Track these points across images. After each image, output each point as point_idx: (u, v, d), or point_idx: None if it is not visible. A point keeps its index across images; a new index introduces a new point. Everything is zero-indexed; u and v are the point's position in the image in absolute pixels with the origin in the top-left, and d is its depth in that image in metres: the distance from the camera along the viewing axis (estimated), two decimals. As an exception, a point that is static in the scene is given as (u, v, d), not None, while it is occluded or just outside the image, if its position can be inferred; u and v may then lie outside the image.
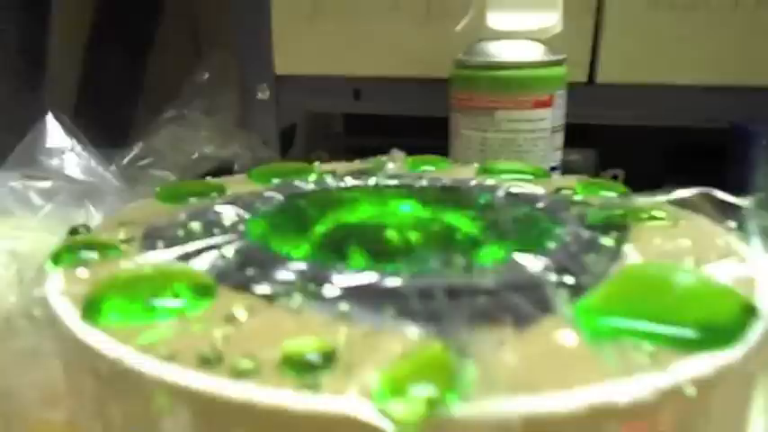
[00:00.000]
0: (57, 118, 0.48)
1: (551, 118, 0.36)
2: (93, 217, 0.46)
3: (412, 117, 0.46)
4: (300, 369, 0.11)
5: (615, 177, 0.49)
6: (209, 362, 0.11)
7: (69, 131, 0.48)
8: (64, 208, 0.46)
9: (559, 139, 0.38)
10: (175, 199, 0.21)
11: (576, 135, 0.42)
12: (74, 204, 0.46)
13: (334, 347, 0.11)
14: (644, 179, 0.50)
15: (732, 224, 0.17)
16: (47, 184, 0.46)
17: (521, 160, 0.36)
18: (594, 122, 0.44)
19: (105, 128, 0.63)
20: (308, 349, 0.11)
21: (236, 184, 0.23)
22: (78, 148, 0.48)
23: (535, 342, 0.12)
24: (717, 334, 0.12)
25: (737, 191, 0.37)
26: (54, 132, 0.48)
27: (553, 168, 0.38)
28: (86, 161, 0.48)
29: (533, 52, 0.36)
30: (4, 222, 0.43)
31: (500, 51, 0.36)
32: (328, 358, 0.11)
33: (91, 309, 0.13)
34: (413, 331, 0.12)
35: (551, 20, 0.36)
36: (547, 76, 0.36)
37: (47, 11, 0.53)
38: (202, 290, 0.14)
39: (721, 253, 0.16)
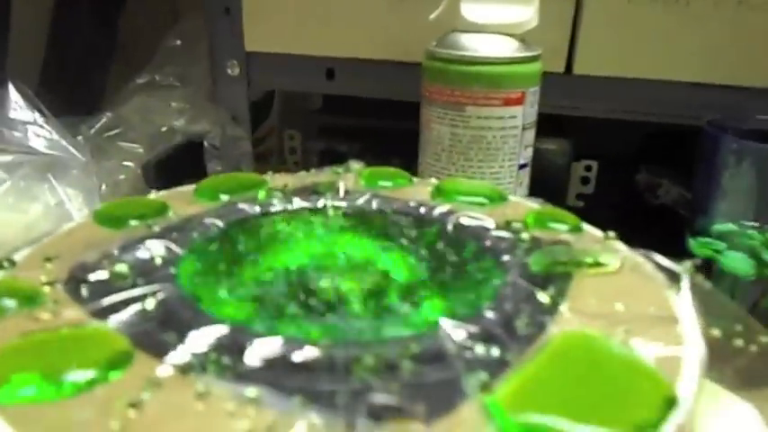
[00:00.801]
0: (18, 89, 0.46)
1: (522, 116, 0.35)
2: (57, 191, 0.45)
3: (391, 99, 0.45)
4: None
5: (589, 168, 0.48)
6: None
7: (32, 103, 0.47)
8: (26, 182, 0.45)
9: (530, 136, 0.37)
10: (113, 223, 0.20)
11: (550, 124, 0.41)
12: (37, 178, 0.45)
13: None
14: (617, 169, 0.50)
15: (671, 284, 0.17)
16: (8, 157, 0.44)
17: (490, 158, 0.36)
18: (570, 113, 0.43)
19: (74, 95, 0.62)
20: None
21: (181, 201, 0.22)
22: (41, 119, 0.47)
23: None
24: (639, 425, 0.12)
25: (705, 191, 0.37)
26: (16, 103, 0.47)
27: (522, 166, 0.37)
28: (49, 133, 0.47)
29: (507, 47, 0.35)
30: (-37, 199, 0.42)
31: (472, 44, 0.35)
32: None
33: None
34: (317, 423, 0.12)
35: (527, 14, 0.35)
36: (519, 72, 0.35)
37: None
38: (117, 358, 0.13)
39: (653, 320, 0.16)
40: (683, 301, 0.16)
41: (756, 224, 0.36)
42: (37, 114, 0.47)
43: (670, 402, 0.13)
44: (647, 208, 0.49)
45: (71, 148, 0.47)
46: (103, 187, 0.49)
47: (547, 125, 0.39)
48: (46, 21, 0.60)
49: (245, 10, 0.44)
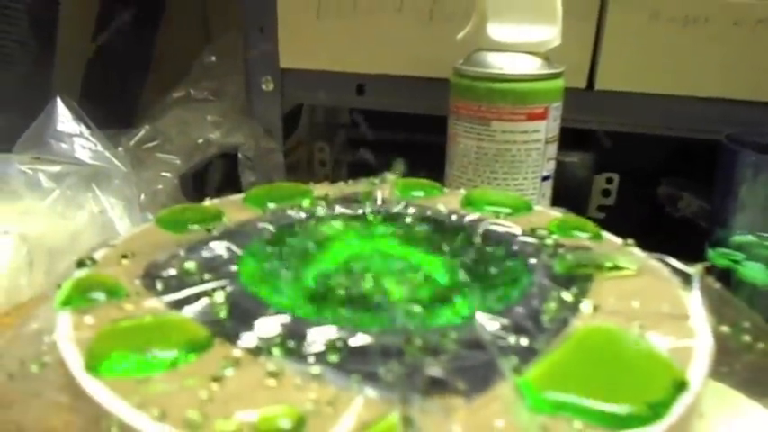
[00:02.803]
0: (65, 102, 0.49)
1: (545, 130, 0.37)
2: (100, 200, 0.48)
3: (417, 113, 0.48)
4: (274, 434, 0.13)
5: (610, 181, 0.50)
6: (193, 425, 0.13)
7: (78, 115, 0.50)
8: (73, 192, 0.47)
9: (553, 149, 0.39)
10: (175, 227, 0.23)
11: (573, 138, 0.43)
12: (82, 188, 0.48)
13: (304, 416, 0.13)
14: (638, 182, 0.51)
15: (684, 285, 0.19)
16: (56, 168, 0.47)
17: (514, 170, 0.38)
18: (592, 127, 0.45)
19: (112, 108, 0.65)
20: (282, 416, 0.13)
21: (233, 208, 0.25)
22: (86, 132, 0.50)
23: (480, 415, 0.14)
24: (647, 411, 0.14)
25: (723, 203, 0.38)
26: (63, 116, 0.50)
27: (545, 178, 0.39)
28: (94, 145, 0.50)
29: (531, 65, 0.37)
30: (15, 206, 0.45)
31: (498, 63, 0.37)
32: (299, 425, 0.13)
33: (94, 359, 0.15)
34: (373, 397, 0.14)
35: (550, 34, 0.37)
36: (543, 89, 0.37)
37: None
38: (195, 342, 0.16)
39: (667, 317, 0.17)
40: (694, 300, 0.17)
41: (773, 237, 0.37)
42: (82, 127, 0.50)
43: (681, 385, 0.15)
44: (667, 220, 0.51)
45: (114, 159, 0.49)
46: (142, 197, 0.52)
47: (569, 139, 0.41)
48: (87, 37, 0.63)
49: (280, 28, 0.46)
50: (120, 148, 0.53)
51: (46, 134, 0.49)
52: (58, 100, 0.49)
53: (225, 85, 0.60)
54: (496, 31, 0.37)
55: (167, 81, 0.61)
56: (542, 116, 0.37)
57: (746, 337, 0.18)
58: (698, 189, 0.50)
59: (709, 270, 0.18)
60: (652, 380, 0.15)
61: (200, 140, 0.54)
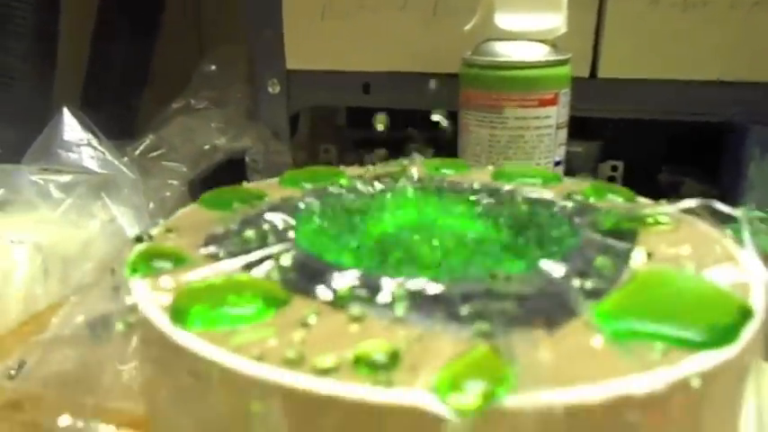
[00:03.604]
0: (72, 112, 0.50)
1: (556, 115, 0.38)
2: (109, 209, 0.48)
3: (412, 111, 0.48)
4: (371, 368, 0.13)
5: (615, 168, 0.51)
6: (293, 362, 0.14)
7: (85, 124, 0.50)
8: (83, 201, 0.47)
9: (563, 134, 0.40)
10: (219, 206, 0.23)
11: (577, 127, 0.44)
12: (92, 197, 0.48)
13: (398, 349, 0.14)
14: (643, 170, 0.53)
15: (728, 231, 0.20)
16: (66, 177, 0.47)
17: (527, 156, 0.39)
18: (596, 116, 0.46)
19: (111, 119, 0.65)
20: (377, 351, 0.14)
21: (272, 189, 0.25)
22: (95, 141, 0.50)
23: (564, 343, 0.14)
24: (718, 334, 0.15)
25: (732, 184, 0.39)
26: (70, 126, 0.50)
27: (557, 163, 0.40)
28: (102, 154, 0.50)
29: (539, 52, 0.38)
30: (28, 216, 0.45)
31: (507, 51, 0.38)
32: (394, 358, 0.14)
33: (179, 316, 0.15)
34: (461, 333, 0.14)
35: (556, 21, 0.38)
36: (552, 75, 0.38)
37: (57, 4, 0.54)
38: (273, 298, 0.16)
39: (719, 258, 0.18)
40: (744, 240, 0.18)
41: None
42: (90, 136, 0.50)
43: (746, 312, 0.15)
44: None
45: (122, 167, 0.50)
46: (151, 205, 0.52)
47: (574, 128, 0.42)
48: (85, 50, 0.63)
49: (286, 30, 0.47)
50: (124, 158, 0.54)
51: (54, 145, 0.49)
52: (65, 110, 0.49)
53: (225, 94, 0.60)
54: (504, 20, 0.38)
55: (164, 93, 0.62)
56: (553, 102, 0.38)
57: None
58: (699, 175, 0.52)
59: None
60: (718, 309, 0.16)
61: (207, 147, 0.55)
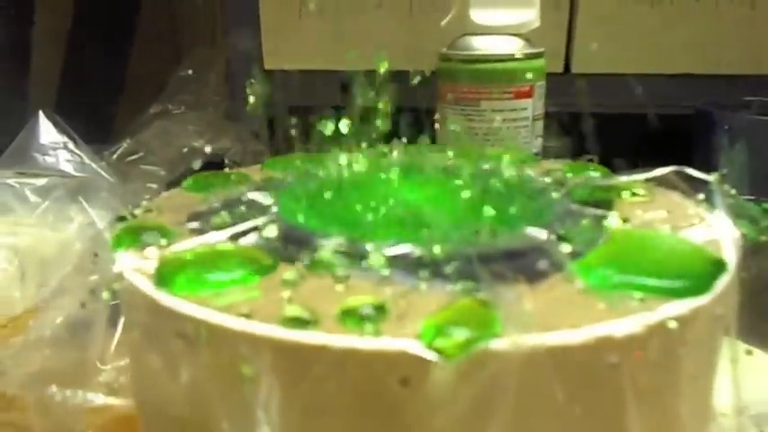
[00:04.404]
0: (48, 115, 0.49)
1: (532, 107, 0.39)
2: (87, 212, 0.48)
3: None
4: (359, 320, 0.14)
5: (590, 162, 0.52)
6: (281, 317, 0.14)
7: (61, 128, 0.50)
8: (60, 204, 0.47)
9: (540, 127, 0.41)
10: (203, 189, 0.23)
11: (551, 122, 0.45)
12: (69, 200, 0.48)
13: (384, 303, 0.14)
14: (616, 163, 0.54)
15: (700, 197, 0.20)
16: (43, 181, 0.47)
17: (505, 148, 0.39)
18: (570, 110, 0.47)
19: (87, 124, 0.65)
20: (364, 304, 0.14)
21: (254, 173, 0.25)
22: (71, 144, 0.50)
23: (547, 294, 0.15)
24: (694, 284, 0.15)
25: (703, 171, 0.41)
26: (47, 130, 0.50)
27: (535, 155, 0.41)
28: (79, 157, 0.50)
29: (514, 46, 0.39)
30: (5, 219, 0.44)
31: (483, 45, 0.39)
32: (381, 311, 0.14)
33: (164, 282, 0.15)
34: (445, 289, 0.15)
35: (530, 15, 0.39)
36: (527, 68, 0.39)
37: (32, 8, 0.54)
38: (258, 264, 0.16)
39: (692, 221, 0.19)
40: (714, 204, 0.19)
41: (752, 197, 0.39)
42: (66, 139, 0.50)
43: (720, 264, 0.16)
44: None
45: (100, 171, 0.49)
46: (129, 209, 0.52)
47: (548, 123, 0.43)
48: (60, 56, 0.63)
49: (263, 31, 0.47)
50: (102, 162, 0.53)
51: (30, 148, 0.49)
52: (41, 114, 0.49)
53: (203, 97, 0.60)
54: (479, 15, 0.39)
55: (140, 98, 0.62)
56: (528, 94, 0.39)
57: (763, 237, 0.19)
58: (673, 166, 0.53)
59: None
60: (693, 262, 0.16)
61: (185, 149, 0.55)
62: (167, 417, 0.16)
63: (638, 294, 0.15)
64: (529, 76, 0.39)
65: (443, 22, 0.41)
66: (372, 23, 0.46)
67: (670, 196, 0.22)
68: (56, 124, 0.49)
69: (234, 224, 0.19)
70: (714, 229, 0.18)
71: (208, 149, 0.54)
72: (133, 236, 0.18)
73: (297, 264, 0.17)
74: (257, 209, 0.20)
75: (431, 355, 0.13)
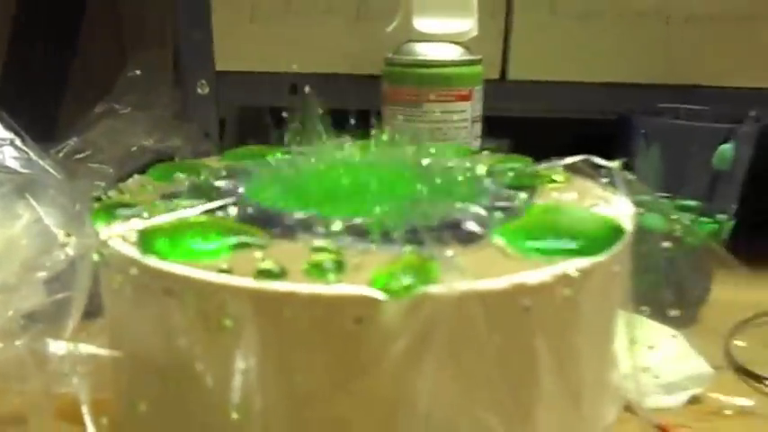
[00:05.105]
0: (-5, 113, 0.50)
1: (471, 110, 0.43)
2: (35, 209, 0.49)
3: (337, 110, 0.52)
4: (322, 272, 0.17)
5: (525, 163, 0.57)
6: (255, 270, 0.17)
7: (7, 125, 0.50)
8: (6, 200, 0.48)
9: (478, 128, 0.45)
10: (167, 176, 0.26)
11: (490, 126, 0.49)
12: (16, 197, 0.49)
13: (343, 258, 0.17)
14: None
15: (605, 181, 0.24)
16: (-13, 177, 0.48)
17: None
18: (507, 114, 0.52)
19: (30, 122, 0.65)
20: (326, 260, 0.17)
21: (215, 163, 0.28)
22: (18, 141, 0.51)
23: (477, 253, 0.18)
24: (592, 245, 0.19)
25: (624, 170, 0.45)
26: (-8, 126, 0.50)
27: (473, 154, 0.45)
28: (26, 154, 0.51)
29: (454, 52, 0.43)
30: (-50, 215, 0.45)
31: (426, 51, 0.43)
32: (340, 265, 0.17)
33: (150, 248, 0.18)
34: (392, 249, 0.18)
35: (468, 25, 0.43)
36: (467, 73, 0.43)
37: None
38: (231, 231, 0.19)
39: (598, 200, 0.23)
40: (616, 185, 0.23)
41: (669, 194, 0.44)
42: (12, 135, 0.51)
43: (617, 229, 0.20)
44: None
45: (48, 168, 0.51)
46: (77, 206, 0.53)
47: (487, 127, 0.47)
48: (3, 51, 0.63)
49: (215, 32, 0.50)
50: (48, 160, 0.54)
51: (-25, 144, 0.50)
52: (-13, 111, 0.50)
53: (150, 97, 0.62)
54: (422, 23, 0.43)
55: (84, 98, 0.63)
56: (468, 97, 0.43)
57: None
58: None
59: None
60: (594, 229, 0.20)
61: (134, 148, 0.56)
62: (151, 367, 0.19)
63: (548, 253, 0.18)
64: (468, 80, 0.43)
65: (388, 29, 0.44)
66: (321, 28, 0.50)
67: (583, 182, 0.26)
68: (1, 121, 0.50)
69: (204, 201, 0.22)
70: (615, 206, 0.23)
71: (157, 148, 0.55)
72: (112, 211, 0.21)
73: (265, 232, 0.20)
74: (224, 192, 0.23)
75: (381, 296, 0.16)
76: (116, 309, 0.20)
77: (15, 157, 0.50)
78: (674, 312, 0.30)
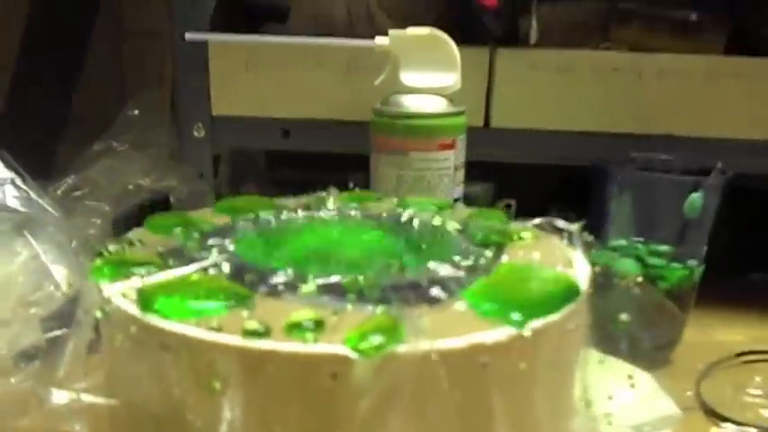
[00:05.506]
0: (-3, 153, 0.52)
1: (454, 158, 0.46)
2: (32, 246, 0.51)
3: (326, 153, 0.55)
4: (301, 331, 0.19)
5: (508, 206, 0.60)
6: (242, 330, 0.19)
7: (9, 164, 0.53)
8: (6, 238, 0.50)
9: (461, 175, 0.47)
10: (165, 229, 0.28)
11: (475, 170, 0.52)
12: (15, 234, 0.51)
13: (321, 318, 0.20)
14: (532, 207, 0.61)
15: (564, 242, 0.27)
16: (-12, 216, 0.50)
17: (430, 194, 0.46)
18: (490, 160, 0.54)
19: (28, 160, 0.67)
20: (306, 319, 0.19)
21: (209, 215, 0.30)
22: (18, 180, 0.53)
23: (441, 313, 0.21)
24: (548, 306, 0.21)
25: (599, 217, 0.48)
26: (-7, 166, 0.53)
27: (456, 200, 0.47)
28: (26, 193, 0.53)
29: (438, 105, 0.46)
30: (-48, 253, 0.47)
31: (412, 103, 0.45)
32: (318, 324, 0.19)
33: (149, 306, 0.20)
34: (366, 309, 0.20)
35: (452, 79, 0.46)
36: (450, 124, 0.46)
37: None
38: (224, 291, 0.21)
39: (558, 260, 0.25)
40: (575, 247, 0.26)
41: (642, 239, 0.47)
42: (13, 175, 0.53)
43: (572, 291, 0.22)
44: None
45: (46, 206, 0.53)
46: (74, 243, 0.55)
47: (472, 171, 0.49)
48: (4, 89, 0.66)
49: (212, 79, 0.53)
50: (46, 198, 0.56)
51: (-23, 184, 0.52)
52: (-11, 151, 0.52)
53: (148, 137, 0.64)
54: (409, 77, 0.46)
55: (82, 137, 0.65)
56: (451, 146, 0.46)
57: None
58: (581, 213, 0.61)
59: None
60: (555, 288, 0.22)
61: (130, 186, 0.59)
62: (146, 415, 0.21)
63: (506, 315, 0.21)
64: (451, 131, 0.46)
65: (377, 82, 0.47)
66: (312, 78, 0.52)
67: (549, 239, 0.28)
68: (3, 161, 0.52)
69: (198, 260, 0.24)
70: (575, 265, 0.25)
71: (153, 187, 0.58)
72: (114, 268, 0.23)
73: (252, 291, 0.22)
74: (218, 248, 0.25)
75: (354, 355, 0.18)
76: (115, 359, 0.22)
77: (16, 196, 0.53)
78: (645, 354, 0.32)
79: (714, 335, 0.50)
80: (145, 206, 0.57)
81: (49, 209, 0.52)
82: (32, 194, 0.53)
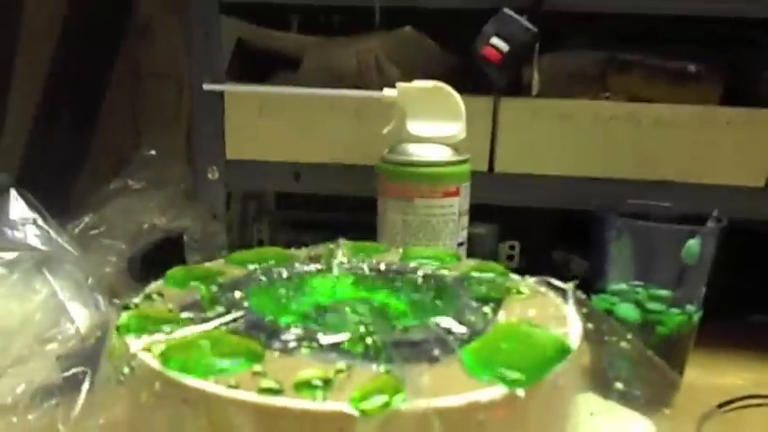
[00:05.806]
0: (20, 193, 0.55)
1: (458, 204, 0.48)
2: (50, 284, 0.54)
3: (331, 195, 0.57)
4: (311, 389, 0.21)
5: (513, 248, 0.61)
6: (257, 387, 0.21)
7: (31, 205, 0.55)
8: (26, 276, 0.52)
9: (465, 220, 0.49)
10: (184, 284, 0.30)
11: (480, 213, 0.53)
12: (35, 272, 0.53)
13: (331, 377, 0.21)
14: (536, 248, 0.63)
15: (559, 300, 0.29)
16: (12, 254, 0.52)
17: (435, 238, 0.47)
18: (495, 203, 0.56)
19: (47, 198, 0.70)
20: (315, 377, 0.21)
21: (224, 267, 0.33)
22: (40, 219, 0.55)
23: (440, 372, 0.22)
24: (541, 366, 0.23)
25: (600, 259, 0.49)
26: (17, 206, 0.55)
27: (460, 244, 0.49)
28: (46, 232, 0.55)
29: (443, 153, 0.48)
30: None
31: (418, 152, 0.48)
32: (327, 383, 0.21)
33: (171, 363, 0.22)
34: (371, 367, 0.22)
35: (457, 129, 0.48)
36: (454, 172, 0.48)
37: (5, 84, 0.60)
38: (241, 348, 0.23)
39: (553, 317, 0.27)
40: (569, 306, 0.27)
41: (641, 283, 0.48)
42: (35, 215, 0.55)
43: (563, 350, 0.24)
44: (562, 279, 0.62)
45: (65, 244, 0.55)
46: (90, 280, 0.58)
47: (477, 214, 0.51)
48: (24, 133, 0.69)
49: (227, 124, 0.55)
50: (64, 236, 0.59)
51: (0, 223, 0.54)
52: (12, 191, 0.55)
53: (163, 175, 0.67)
54: (415, 127, 0.48)
55: (97, 176, 0.68)
56: (455, 193, 0.48)
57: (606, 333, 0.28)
58: (584, 253, 0.63)
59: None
60: (547, 348, 0.24)
61: (146, 225, 0.61)
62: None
63: (500, 374, 0.22)
64: (455, 178, 0.48)
65: (384, 131, 0.49)
66: (323, 123, 0.55)
67: (545, 294, 0.30)
68: (26, 201, 0.55)
69: (216, 316, 0.26)
70: (568, 323, 0.27)
71: (168, 227, 0.60)
72: (140, 322, 0.25)
73: (266, 348, 0.24)
74: (234, 302, 0.27)
75: (357, 414, 0.20)
76: (138, 413, 0.24)
77: (37, 235, 0.55)
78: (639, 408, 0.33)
79: (715, 378, 0.51)
80: (159, 245, 0.59)
81: (68, 247, 0.55)
82: (52, 233, 0.55)
